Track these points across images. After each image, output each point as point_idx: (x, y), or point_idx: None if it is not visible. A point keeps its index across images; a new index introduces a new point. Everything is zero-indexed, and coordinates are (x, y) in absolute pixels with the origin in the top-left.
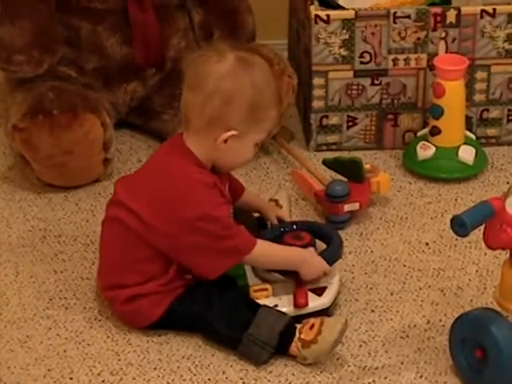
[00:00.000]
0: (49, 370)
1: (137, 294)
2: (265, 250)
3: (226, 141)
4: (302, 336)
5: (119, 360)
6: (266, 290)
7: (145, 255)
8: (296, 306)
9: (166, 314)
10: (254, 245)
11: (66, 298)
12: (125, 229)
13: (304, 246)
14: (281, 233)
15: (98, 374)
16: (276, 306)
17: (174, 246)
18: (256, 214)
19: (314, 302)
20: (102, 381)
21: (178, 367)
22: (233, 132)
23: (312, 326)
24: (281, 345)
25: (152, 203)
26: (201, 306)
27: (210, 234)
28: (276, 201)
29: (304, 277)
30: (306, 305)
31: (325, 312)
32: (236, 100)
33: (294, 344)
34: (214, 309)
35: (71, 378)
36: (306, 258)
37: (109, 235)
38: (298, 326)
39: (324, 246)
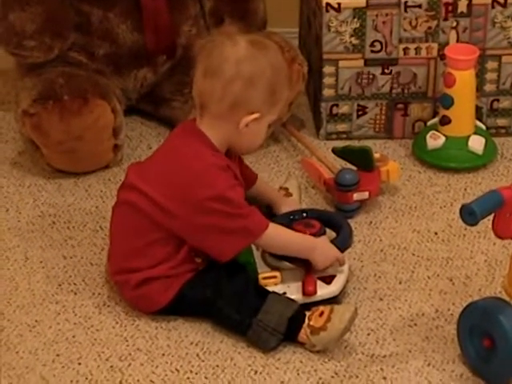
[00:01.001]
0: (57, 355)
1: (147, 277)
2: (277, 234)
3: (247, 124)
4: (312, 323)
5: (128, 345)
6: (275, 277)
7: (156, 238)
8: (304, 293)
9: (175, 299)
10: (267, 226)
11: (75, 283)
12: (136, 212)
13: (314, 234)
14: (290, 220)
15: (107, 360)
16: (285, 293)
17: (186, 227)
18: None
19: (323, 290)
20: (111, 366)
21: (187, 353)
22: (256, 115)
23: (322, 313)
24: (290, 331)
25: (165, 185)
26: (210, 290)
27: (223, 213)
28: (286, 189)
29: (316, 265)
30: (315, 293)
31: (333, 300)
32: (257, 82)
33: (303, 331)
34: (223, 294)
35: (80, 363)
36: (318, 246)
37: (120, 219)
38: (308, 313)
39: (334, 235)
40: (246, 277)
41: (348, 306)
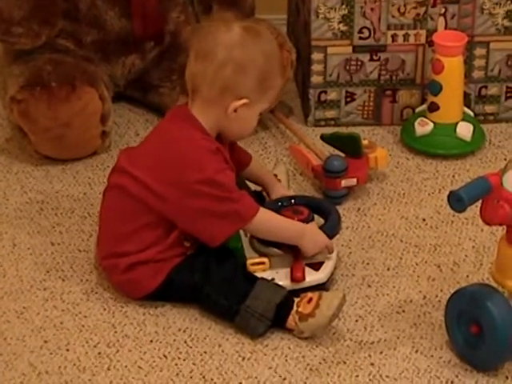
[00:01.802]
0: (45, 342)
1: (136, 261)
2: (267, 219)
3: (235, 110)
4: (300, 309)
5: (116, 332)
6: (264, 263)
7: (146, 222)
8: (293, 280)
9: (163, 284)
10: (257, 211)
11: (63, 270)
12: (126, 196)
13: (302, 221)
14: (279, 207)
15: (95, 346)
16: (273, 279)
17: (177, 210)
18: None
19: (311, 277)
20: (99, 353)
21: (174, 340)
22: (244, 101)
23: (310, 300)
24: (278, 317)
25: (156, 168)
26: (198, 276)
27: (212, 197)
28: (274, 175)
29: (305, 251)
30: (303, 279)
31: (321, 287)
32: (248, 69)
33: (291, 317)
34: (211, 279)
35: (68, 350)
36: (308, 232)
37: (110, 204)
38: (296, 299)
39: (322, 221)
40: (235, 262)
41: (336, 292)
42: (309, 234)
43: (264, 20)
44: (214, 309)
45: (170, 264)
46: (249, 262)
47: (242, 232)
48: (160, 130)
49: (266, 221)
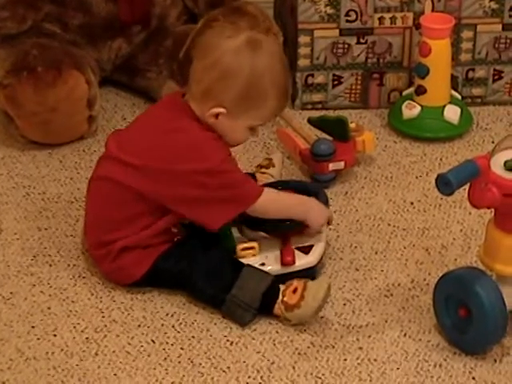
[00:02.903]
0: (32, 327)
1: (124, 245)
2: (272, 199)
3: (217, 116)
4: (285, 299)
5: (103, 317)
6: (253, 248)
7: (136, 210)
8: (283, 264)
9: (150, 271)
10: (261, 193)
11: (49, 255)
12: (116, 184)
13: None
14: None
15: (82, 331)
16: (263, 264)
17: (173, 197)
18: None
19: (301, 260)
20: (86, 338)
21: (162, 325)
22: (221, 110)
23: (295, 290)
24: (264, 306)
25: (152, 156)
26: (185, 264)
27: (217, 185)
28: (270, 159)
29: (311, 224)
30: (293, 263)
31: (311, 270)
32: (231, 78)
33: (277, 306)
34: (198, 268)
35: (55, 335)
36: (313, 205)
37: (99, 192)
38: (282, 287)
39: None
40: (222, 250)
41: (321, 282)
42: (314, 207)
43: (251, 3)
44: (201, 297)
45: (156, 251)
46: (238, 247)
47: None
48: (154, 116)
49: (272, 201)
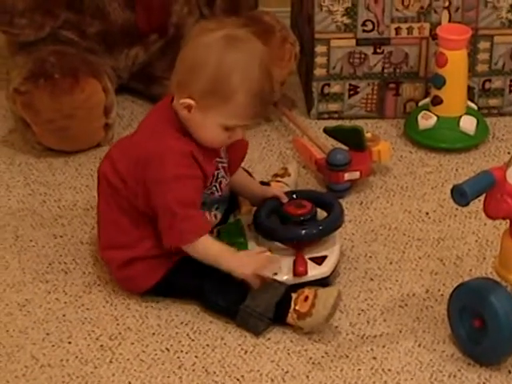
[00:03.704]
0: (47, 334)
1: (132, 257)
2: (205, 247)
3: (189, 110)
4: (297, 307)
5: (118, 325)
6: None
7: (138, 215)
8: (295, 274)
9: (160, 284)
10: (200, 236)
11: (65, 262)
12: (112, 188)
13: (305, 214)
14: (281, 202)
15: (97, 339)
16: (275, 274)
17: (148, 206)
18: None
19: (314, 271)
20: (101, 345)
21: (177, 333)
22: (190, 101)
23: (306, 298)
24: (277, 315)
25: (130, 161)
26: (196, 278)
27: (166, 201)
28: (286, 168)
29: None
30: (306, 273)
31: (324, 281)
32: (199, 70)
33: (289, 315)
34: (209, 281)
35: (70, 342)
36: (232, 266)
37: (102, 194)
38: (293, 295)
39: (325, 215)
40: None
41: (331, 290)
42: (234, 267)
43: (268, 12)
44: (214, 309)
45: (167, 263)
46: None
47: (245, 226)
48: (144, 120)
49: (203, 250)
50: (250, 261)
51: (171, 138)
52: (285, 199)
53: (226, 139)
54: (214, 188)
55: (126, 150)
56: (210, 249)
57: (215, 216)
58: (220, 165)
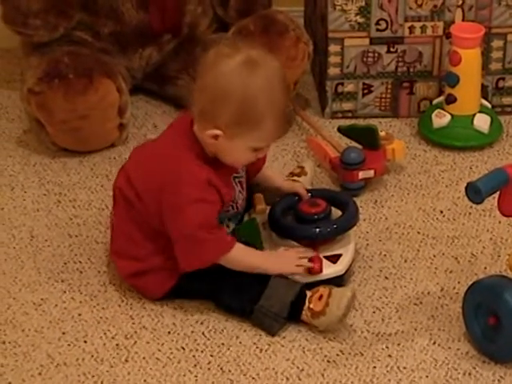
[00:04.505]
0: (63, 333)
1: (143, 269)
2: (234, 259)
3: (216, 138)
4: (312, 306)
5: (133, 324)
6: None
7: (149, 228)
8: (310, 272)
9: (172, 290)
10: (219, 257)
11: (80, 261)
12: (126, 201)
13: (320, 213)
14: (296, 201)
15: (113, 338)
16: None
17: (162, 224)
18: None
19: (329, 269)
20: (116, 344)
21: (192, 332)
22: (218, 132)
23: (321, 297)
24: (292, 313)
25: (148, 181)
26: (209, 281)
27: (181, 224)
28: (302, 167)
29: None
30: (321, 271)
31: (339, 279)
32: (224, 101)
33: (304, 313)
34: (222, 284)
35: (85, 341)
36: (267, 264)
37: (116, 202)
38: (308, 293)
39: (339, 213)
40: None
41: (345, 290)
42: (271, 268)
43: (281, 12)
44: (228, 311)
45: (177, 271)
46: None
47: (260, 225)
48: (165, 136)
49: (232, 263)
50: (286, 260)
51: (191, 163)
52: (306, 196)
53: (253, 158)
54: (231, 207)
55: (144, 169)
56: (242, 260)
57: (228, 226)
58: (237, 180)
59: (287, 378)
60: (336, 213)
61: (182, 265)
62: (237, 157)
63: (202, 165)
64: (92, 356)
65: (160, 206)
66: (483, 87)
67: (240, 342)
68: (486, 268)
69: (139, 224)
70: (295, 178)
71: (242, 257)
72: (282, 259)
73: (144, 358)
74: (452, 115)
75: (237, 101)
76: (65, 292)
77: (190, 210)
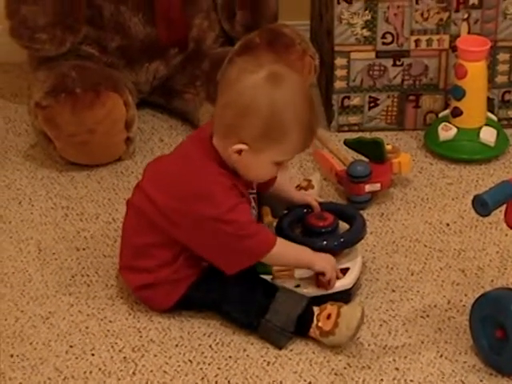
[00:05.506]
0: (71, 347)
1: (151, 282)
2: (281, 253)
3: (240, 152)
4: (320, 324)
5: (141, 337)
6: (289, 270)
7: (162, 240)
8: (318, 286)
9: (180, 301)
10: (272, 246)
11: (88, 275)
12: (143, 214)
13: (327, 226)
14: (304, 214)
15: (120, 351)
16: (298, 286)
17: (189, 238)
18: None
19: (337, 283)
20: (124, 357)
21: (200, 344)
22: (243, 146)
23: (329, 316)
24: (300, 329)
25: (172, 194)
26: (216, 293)
27: (226, 234)
28: (309, 180)
29: (320, 268)
30: (331, 288)
31: (347, 293)
32: (250, 115)
33: (312, 330)
34: (230, 297)
35: (93, 354)
36: (314, 258)
37: (129, 218)
38: (316, 310)
39: (347, 227)
40: (253, 276)
41: (355, 310)
42: (318, 262)
43: (288, 25)
44: (235, 324)
45: (185, 283)
46: (274, 268)
47: None
48: (182, 150)
49: (280, 255)
50: (329, 259)
51: (217, 173)
52: (317, 208)
53: (274, 173)
54: None
55: (164, 184)
56: (286, 253)
57: None
58: (251, 196)
59: None
60: (343, 226)
61: (228, 269)
62: (260, 171)
63: (228, 174)
64: (99, 369)
65: (189, 217)
66: (489, 100)
67: (247, 355)
68: (492, 281)
69: (152, 238)
70: (302, 191)
71: (285, 250)
72: (326, 257)
73: (151, 371)
74: (458, 128)
75: (263, 115)
76: (72, 305)
77: (232, 217)
